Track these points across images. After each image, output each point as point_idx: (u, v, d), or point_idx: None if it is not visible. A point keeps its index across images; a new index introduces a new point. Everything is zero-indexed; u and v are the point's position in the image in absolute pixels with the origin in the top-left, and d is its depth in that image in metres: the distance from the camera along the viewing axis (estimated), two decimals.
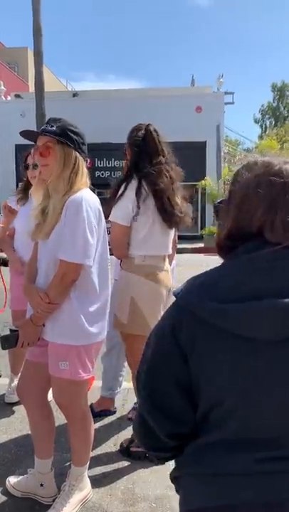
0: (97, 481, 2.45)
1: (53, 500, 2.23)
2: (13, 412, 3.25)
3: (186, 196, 2.78)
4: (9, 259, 3.26)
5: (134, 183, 2.52)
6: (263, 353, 0.96)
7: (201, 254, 13.99)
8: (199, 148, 18.43)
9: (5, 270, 3.44)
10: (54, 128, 2.01)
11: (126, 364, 3.16)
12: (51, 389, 2.20)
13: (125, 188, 2.54)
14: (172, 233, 2.77)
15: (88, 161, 2.19)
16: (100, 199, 2.21)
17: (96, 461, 2.63)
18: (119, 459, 2.70)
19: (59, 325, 2.03)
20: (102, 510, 2.26)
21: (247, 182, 1.07)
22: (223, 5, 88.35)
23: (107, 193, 2.68)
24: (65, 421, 2.28)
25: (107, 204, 2.60)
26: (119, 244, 2.61)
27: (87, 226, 1.97)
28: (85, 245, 1.97)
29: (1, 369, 3.97)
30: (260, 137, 40.96)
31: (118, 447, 2.80)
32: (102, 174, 18.48)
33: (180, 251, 3.26)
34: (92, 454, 2.40)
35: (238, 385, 0.98)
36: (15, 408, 3.30)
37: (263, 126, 46.25)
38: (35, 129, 2.11)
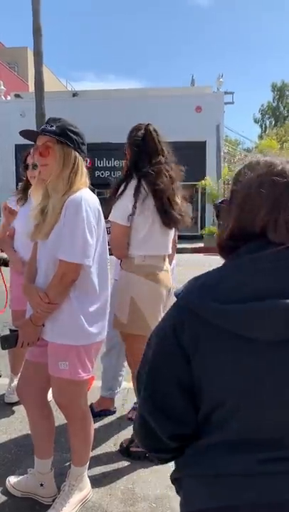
0: (97, 481, 2.45)
1: (53, 500, 2.23)
2: (13, 412, 3.26)
3: (186, 196, 2.78)
4: (10, 260, 3.26)
5: (133, 183, 2.52)
6: (265, 354, 0.95)
7: (201, 254, 13.99)
8: (199, 148, 18.42)
9: (6, 270, 3.44)
10: (54, 128, 2.00)
11: (126, 364, 3.16)
12: (51, 389, 2.20)
13: (125, 188, 2.54)
14: (172, 233, 2.77)
15: (88, 160, 2.19)
16: (100, 199, 2.20)
17: (96, 461, 2.63)
18: (119, 458, 2.70)
19: (59, 325, 2.03)
20: (102, 510, 2.26)
21: (249, 182, 1.06)
22: (223, 5, 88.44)
23: (107, 192, 2.68)
24: (65, 421, 2.28)
25: (107, 204, 2.60)
26: (119, 244, 2.61)
27: (87, 226, 1.97)
28: (85, 245, 1.97)
29: (1, 369, 3.97)
30: (260, 137, 40.97)
31: (118, 447, 2.80)
32: (102, 174, 18.48)
33: (180, 251, 3.26)
34: (92, 453, 2.40)
35: (240, 385, 0.98)
36: (15, 408, 3.30)
37: (263, 126, 46.27)
38: (35, 129, 2.10)
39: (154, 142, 2.58)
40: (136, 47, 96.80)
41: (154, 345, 1.10)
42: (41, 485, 2.28)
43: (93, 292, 2.08)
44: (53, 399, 2.20)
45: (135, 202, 2.50)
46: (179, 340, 1.04)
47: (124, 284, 2.65)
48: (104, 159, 19.15)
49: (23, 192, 3.16)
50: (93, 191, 2.17)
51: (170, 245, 2.78)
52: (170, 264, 2.87)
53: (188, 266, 8.72)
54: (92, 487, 2.36)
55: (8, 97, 21.48)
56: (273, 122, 45.21)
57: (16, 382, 3.02)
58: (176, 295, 1.08)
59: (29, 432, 2.37)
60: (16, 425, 3.08)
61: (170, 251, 2.79)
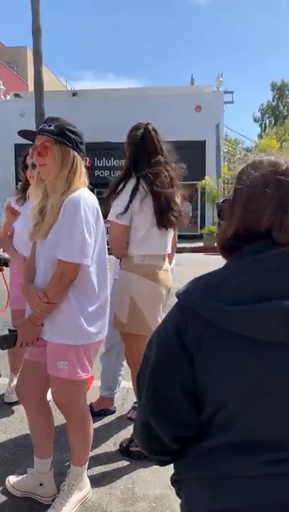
0: (96, 481, 2.45)
1: (53, 500, 2.23)
2: (12, 412, 3.26)
3: (186, 195, 2.77)
4: (12, 259, 3.24)
5: (132, 182, 2.52)
6: (267, 354, 0.95)
7: (201, 254, 13.98)
8: (199, 147, 18.40)
9: (7, 270, 3.43)
10: (52, 127, 2.00)
11: (125, 363, 3.16)
12: (50, 389, 2.20)
13: (123, 187, 2.54)
14: (172, 232, 2.77)
15: (87, 160, 2.19)
16: (100, 198, 2.20)
17: (95, 461, 2.63)
18: (118, 458, 2.70)
19: (58, 325, 2.03)
20: (102, 510, 2.26)
21: (254, 181, 1.05)
22: (222, 4, 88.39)
23: (106, 192, 2.67)
24: (65, 420, 2.28)
25: (106, 203, 2.60)
26: (118, 243, 2.61)
27: (85, 225, 1.96)
28: (83, 245, 1.96)
29: (0, 369, 3.97)
30: (260, 136, 40.96)
31: (118, 447, 2.80)
32: (102, 173, 18.47)
33: (179, 250, 3.26)
34: (91, 453, 2.40)
35: (242, 385, 0.97)
36: (14, 408, 3.30)
37: (263, 125, 46.26)
38: (35, 129, 2.10)
39: (153, 141, 2.58)
40: (135, 46, 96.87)
41: (156, 346, 1.09)
42: (41, 484, 2.28)
43: (92, 292, 2.07)
44: (52, 399, 2.20)
45: (134, 200, 2.49)
46: (183, 340, 1.03)
47: (124, 283, 2.65)
48: (104, 159, 19.14)
49: (23, 192, 3.16)
50: (92, 191, 2.17)
51: (170, 245, 2.77)
52: (170, 264, 2.87)
53: (187, 265, 8.72)
54: (92, 487, 2.36)
55: (8, 97, 21.46)
56: (273, 121, 45.20)
57: (15, 381, 3.02)
58: (178, 296, 1.07)
59: (29, 431, 2.37)
60: (16, 425, 3.08)
61: (170, 250, 2.79)
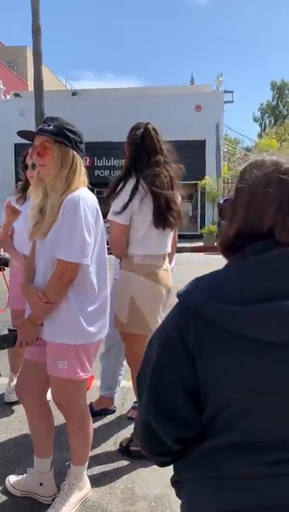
0: (96, 480, 2.45)
1: (53, 500, 2.23)
2: (12, 412, 3.26)
3: (185, 195, 2.77)
4: (14, 259, 3.24)
5: (132, 181, 2.52)
6: (269, 354, 0.94)
7: (201, 253, 13.99)
8: (199, 146, 18.39)
9: (8, 270, 3.43)
10: (51, 127, 2.00)
11: (125, 363, 3.16)
12: (50, 388, 2.20)
13: (123, 186, 2.53)
14: (172, 232, 2.77)
15: (87, 160, 2.19)
16: (100, 198, 2.20)
17: (95, 461, 2.63)
18: (118, 458, 2.70)
19: (57, 324, 2.03)
20: (102, 510, 2.26)
21: (256, 180, 1.05)
22: (222, 3, 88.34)
23: (106, 192, 2.67)
24: (65, 420, 2.28)
25: (105, 203, 2.60)
26: (118, 243, 2.61)
27: (85, 225, 1.96)
28: (83, 245, 1.96)
29: (0, 368, 3.97)
30: (260, 136, 40.96)
31: (118, 446, 2.81)
32: (102, 173, 18.45)
33: (179, 250, 3.26)
34: (91, 453, 2.40)
35: (244, 385, 0.97)
36: (14, 407, 3.30)
37: (263, 124, 46.25)
38: (35, 128, 2.10)
39: (152, 141, 2.58)
40: (135, 46, 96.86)
41: (157, 346, 1.08)
42: (41, 484, 2.28)
43: (92, 291, 2.07)
44: (52, 398, 2.20)
45: (133, 200, 2.49)
46: (184, 340, 1.02)
47: (124, 283, 2.65)
48: (104, 158, 19.13)
49: (23, 192, 3.16)
50: (92, 190, 2.17)
51: (170, 244, 2.77)
52: (170, 263, 2.87)
53: (187, 265, 8.72)
54: (92, 486, 2.36)
55: (8, 96, 21.45)
56: (273, 121, 45.19)
57: (15, 381, 3.02)
58: (178, 296, 1.06)
59: (29, 431, 2.37)
60: (16, 424, 3.08)
61: (170, 250, 2.79)
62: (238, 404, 0.98)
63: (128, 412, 3.22)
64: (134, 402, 3.13)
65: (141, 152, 2.57)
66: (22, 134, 2.11)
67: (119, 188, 2.55)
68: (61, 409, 2.20)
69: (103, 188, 2.94)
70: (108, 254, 2.27)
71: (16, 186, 3.37)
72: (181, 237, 3.26)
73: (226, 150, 21.51)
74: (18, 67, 31.04)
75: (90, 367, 2.13)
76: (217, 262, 1.14)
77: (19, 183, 3.30)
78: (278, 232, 1.01)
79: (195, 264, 10.16)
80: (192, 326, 1.01)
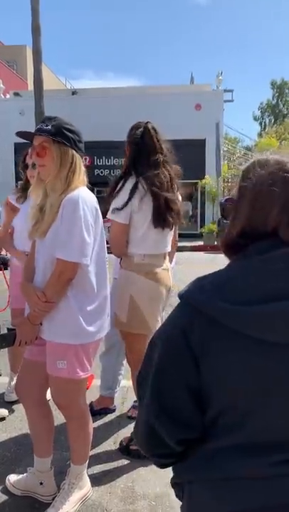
0: (96, 480, 2.46)
1: (53, 499, 2.24)
2: (12, 411, 3.26)
3: (184, 194, 2.77)
4: (15, 258, 3.24)
5: (132, 181, 2.52)
6: (274, 354, 0.94)
7: (201, 252, 14.00)
8: (199, 146, 18.39)
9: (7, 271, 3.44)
10: (49, 127, 1.99)
11: (125, 362, 3.16)
12: (50, 388, 2.20)
13: (123, 185, 2.53)
14: (172, 231, 2.76)
15: (87, 159, 2.19)
16: (100, 198, 2.20)
17: (96, 460, 2.63)
18: (118, 457, 2.70)
19: (56, 324, 2.03)
20: (102, 509, 2.26)
21: (260, 179, 1.04)
22: (222, 3, 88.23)
23: (106, 191, 2.67)
24: (65, 419, 2.28)
25: (105, 202, 2.59)
26: (118, 242, 2.60)
27: (84, 224, 1.96)
28: (82, 244, 1.96)
29: (0, 368, 3.97)
30: (260, 135, 40.96)
31: (118, 445, 2.81)
32: (102, 172, 18.45)
33: (179, 249, 3.26)
34: (91, 452, 2.40)
35: (249, 386, 0.96)
36: (14, 407, 3.30)
37: (263, 123, 46.23)
38: (34, 127, 2.09)
39: (152, 140, 2.58)
40: (135, 45, 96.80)
41: (160, 346, 1.07)
42: (41, 483, 2.28)
43: (91, 291, 2.07)
44: (51, 398, 2.20)
45: (133, 199, 2.49)
46: (188, 340, 1.01)
47: (124, 282, 2.65)
48: (104, 157, 19.13)
49: (23, 191, 3.16)
50: (92, 190, 2.16)
51: (170, 243, 2.77)
52: (170, 263, 2.86)
53: (188, 264, 8.73)
54: (92, 485, 2.36)
55: (7, 96, 21.44)
56: (273, 120, 45.16)
57: (15, 380, 3.02)
58: (180, 296, 1.05)
59: (29, 430, 2.38)
60: (16, 424, 3.08)
61: (170, 249, 2.78)
62: (243, 405, 0.98)
63: (128, 411, 3.22)
64: (134, 401, 3.13)
65: (141, 151, 2.56)
66: (21, 134, 2.11)
67: (118, 187, 2.54)
68: (61, 408, 2.20)
69: (103, 188, 2.93)
70: (108, 253, 2.27)
71: (16, 186, 3.37)
72: (181, 236, 3.26)
73: (225, 149, 21.50)
74: (17, 66, 31.03)
75: (89, 366, 2.12)
76: (217, 260, 1.14)
77: (19, 182, 3.30)
78: (283, 232, 1.01)
79: (195, 263, 10.17)
80: (196, 326, 1.00)
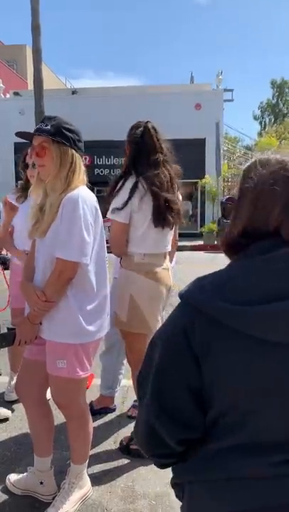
0: (97, 479, 2.46)
1: (53, 498, 2.24)
2: (12, 411, 3.25)
3: (184, 194, 2.77)
4: (16, 258, 3.24)
5: (132, 180, 2.52)
6: (277, 354, 0.94)
7: (201, 252, 14.01)
8: (199, 145, 18.38)
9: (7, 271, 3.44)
10: (48, 127, 1.99)
11: (125, 362, 3.16)
12: (50, 387, 2.20)
13: (122, 184, 2.53)
14: (172, 231, 2.76)
15: (87, 158, 2.19)
16: (100, 197, 2.19)
17: (96, 459, 2.63)
18: (118, 456, 2.71)
19: (56, 323, 2.03)
20: (102, 508, 2.26)
21: (262, 178, 1.04)
22: (222, 2, 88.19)
23: (106, 191, 2.67)
24: (65, 419, 2.28)
25: (105, 202, 2.59)
26: (118, 241, 2.60)
27: (84, 224, 1.96)
28: (82, 244, 1.96)
29: (0, 367, 3.97)
30: (260, 134, 40.95)
31: (118, 445, 2.81)
32: (102, 172, 18.44)
33: (179, 248, 3.26)
34: (91, 451, 2.40)
35: (252, 386, 0.96)
36: (14, 406, 3.30)
37: (263, 123, 46.21)
38: (34, 127, 2.09)
39: (152, 140, 2.58)
40: (135, 44, 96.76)
41: (160, 346, 1.06)
42: (41, 483, 2.28)
43: (91, 290, 2.07)
44: (51, 397, 2.20)
45: (133, 198, 2.49)
46: (189, 340, 1.00)
47: (124, 282, 2.65)
48: (104, 157, 19.12)
49: (23, 191, 3.16)
50: (92, 189, 2.16)
51: (170, 243, 2.77)
52: (171, 262, 2.86)
53: (188, 263, 8.73)
54: (92, 485, 2.36)
55: (7, 95, 21.43)
56: (273, 119, 45.14)
57: (15, 380, 3.02)
58: (180, 295, 1.05)
59: (29, 430, 2.38)
60: (16, 423, 3.08)
61: (170, 248, 2.78)
62: (245, 405, 0.97)
63: (128, 410, 3.22)
64: (135, 401, 3.13)
65: (141, 151, 2.56)
66: (20, 134, 2.11)
67: (118, 187, 2.54)
68: (61, 408, 2.20)
69: (103, 187, 2.93)
70: (108, 252, 2.27)
71: (16, 186, 3.37)
72: (181, 236, 3.26)
73: (225, 149, 21.50)
74: (17, 65, 31.02)
75: (89, 366, 2.12)
76: (217, 260, 1.13)
77: (19, 182, 3.30)
78: (285, 231, 1.00)
79: (195, 262, 10.17)
80: (197, 326, 1.00)
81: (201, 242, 15.48)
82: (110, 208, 2.55)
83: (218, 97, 19.25)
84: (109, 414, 3.22)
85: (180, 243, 3.17)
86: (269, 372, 0.95)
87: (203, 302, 0.99)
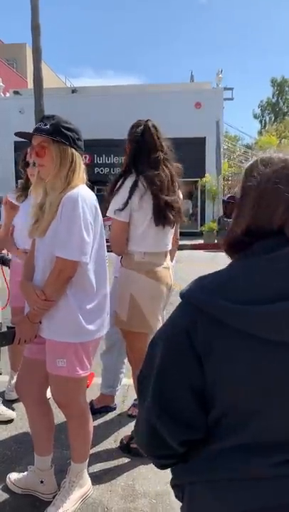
0: (97, 478, 2.46)
1: (53, 497, 2.24)
2: (13, 410, 3.25)
3: (185, 193, 2.77)
4: (17, 257, 3.23)
5: (132, 178, 2.51)
6: (279, 354, 0.93)
7: (201, 251, 14.00)
8: (199, 144, 18.35)
9: (7, 269, 3.43)
10: (48, 126, 1.98)
11: (126, 361, 3.16)
12: (50, 386, 2.20)
13: (122, 183, 2.53)
14: (172, 229, 2.76)
15: (87, 157, 2.18)
16: (100, 196, 2.19)
17: (96, 458, 2.63)
18: (119, 455, 2.71)
19: (56, 322, 2.03)
20: (103, 507, 2.26)
21: (266, 177, 1.04)
22: (222, 1, 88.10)
23: (106, 190, 2.67)
24: (65, 418, 2.28)
25: (106, 200, 2.59)
26: (118, 240, 2.60)
27: (83, 223, 1.96)
28: (82, 243, 1.96)
29: (1, 366, 3.97)
30: (260, 133, 40.91)
31: (118, 444, 2.81)
32: (102, 171, 18.41)
33: (180, 247, 3.25)
34: (92, 450, 2.40)
35: (254, 386, 0.95)
36: (15, 405, 3.30)
37: (263, 121, 46.16)
38: (34, 126, 2.09)
39: (152, 138, 2.57)
40: (135, 43, 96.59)
41: (161, 346, 1.05)
42: (41, 482, 2.29)
43: (90, 289, 2.07)
44: (51, 396, 2.20)
45: (133, 197, 2.49)
46: (192, 340, 1.00)
47: (124, 281, 2.65)
48: (104, 156, 19.09)
49: (23, 189, 3.16)
50: (92, 188, 2.16)
51: (170, 241, 2.76)
52: (172, 261, 2.86)
53: (188, 262, 8.72)
54: (93, 484, 2.36)
55: (7, 94, 21.41)
56: (273, 118, 45.09)
57: (15, 379, 3.02)
58: (182, 295, 1.04)
59: (29, 429, 2.38)
60: (16, 422, 3.08)
61: (170, 247, 2.78)
62: (248, 405, 0.97)
63: (129, 409, 3.22)
64: (135, 400, 3.13)
65: (141, 149, 2.56)
66: (20, 134, 2.11)
67: (118, 185, 2.54)
68: (61, 407, 2.20)
69: (103, 186, 2.93)
70: (108, 251, 2.26)
71: (17, 185, 3.37)
72: (181, 235, 3.25)
73: (226, 147, 21.49)
74: (17, 64, 31.02)
75: (89, 365, 2.12)
76: (218, 259, 1.13)
77: (19, 181, 3.30)
78: (288, 230, 1.00)
79: (195, 261, 10.17)
80: (200, 325, 0.99)
81: (201, 241, 15.47)
82: (110, 207, 2.55)
83: (218, 96, 19.22)
84: (109, 413, 3.22)
85: (180, 242, 3.16)
86: (269, 372, 0.94)
87: (204, 301, 0.98)
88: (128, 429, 2.95)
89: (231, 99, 20.42)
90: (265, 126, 44.06)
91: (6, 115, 18.89)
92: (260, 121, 46.58)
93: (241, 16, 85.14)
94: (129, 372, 3.03)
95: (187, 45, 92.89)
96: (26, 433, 2.79)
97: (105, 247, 2.19)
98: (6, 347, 3.11)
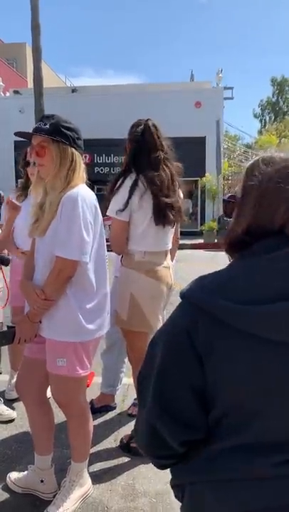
0: (97, 477, 2.46)
1: (54, 496, 2.24)
2: (13, 409, 3.25)
3: (185, 192, 2.77)
4: (18, 256, 3.23)
5: (131, 178, 2.51)
6: (280, 354, 0.93)
7: (201, 250, 14.00)
8: (199, 143, 18.34)
9: (7, 269, 3.43)
10: (47, 126, 1.98)
11: (126, 360, 3.16)
12: (50, 386, 2.20)
13: (122, 182, 2.53)
14: (172, 229, 2.76)
15: (87, 156, 2.18)
16: (100, 195, 2.19)
17: (96, 457, 2.64)
18: (119, 454, 2.71)
19: (56, 322, 2.03)
20: (103, 506, 2.26)
21: (268, 176, 1.04)
22: (222, 1, 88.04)
23: (106, 189, 2.67)
24: (65, 417, 2.28)
25: (106, 200, 2.59)
26: (118, 239, 2.60)
27: (83, 222, 1.96)
28: (81, 242, 1.96)
29: (1, 366, 3.97)
30: (260, 132, 40.88)
31: (118, 443, 2.81)
32: (102, 170, 18.41)
33: (180, 247, 3.25)
34: (92, 449, 2.40)
35: (256, 386, 0.95)
36: (15, 405, 3.30)
37: (263, 121, 46.13)
38: (34, 125, 2.09)
39: (152, 137, 2.57)
40: (135, 42, 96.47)
41: (161, 346, 1.05)
42: (42, 481, 2.29)
43: (90, 289, 2.07)
44: (52, 396, 2.20)
45: (133, 196, 2.49)
46: (193, 340, 0.99)
47: (124, 280, 2.65)
48: (104, 155, 19.09)
49: (23, 189, 3.15)
50: (92, 188, 2.16)
51: (170, 241, 2.76)
52: (172, 260, 2.86)
53: (188, 262, 8.72)
54: (93, 483, 2.36)
55: (7, 94, 21.41)
56: (273, 117, 45.06)
57: (16, 378, 3.02)
58: (182, 295, 1.04)
59: (29, 428, 2.38)
60: (16, 422, 3.08)
61: (170, 246, 2.77)
62: (249, 405, 0.97)
63: (129, 408, 3.22)
64: (135, 399, 3.13)
65: (141, 149, 2.56)
66: (20, 134, 2.11)
67: (118, 184, 2.54)
68: (61, 406, 2.20)
69: (103, 186, 2.93)
70: (108, 251, 2.26)
71: (16, 185, 3.37)
72: (181, 234, 3.26)
73: (226, 147, 21.47)
74: (17, 64, 31.02)
75: (89, 364, 2.13)
76: (218, 259, 1.13)
77: (19, 180, 3.30)
78: None
79: (195, 261, 10.17)
80: (201, 325, 0.99)
81: (201, 241, 15.47)
82: (110, 206, 2.55)
83: (218, 95, 19.21)
84: (109, 413, 3.22)
85: (180, 241, 3.17)
86: (270, 372, 0.94)
87: (205, 301, 0.98)
88: (128, 428, 2.96)
89: (231, 98, 20.41)
90: (265, 125, 44.01)
91: (6, 115, 18.89)
92: (260, 121, 46.56)
93: (241, 16, 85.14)
94: (130, 372, 3.03)
95: (187, 44, 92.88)
96: (26, 432, 2.80)
97: (105, 247, 2.19)
98: (6, 346, 3.12)
